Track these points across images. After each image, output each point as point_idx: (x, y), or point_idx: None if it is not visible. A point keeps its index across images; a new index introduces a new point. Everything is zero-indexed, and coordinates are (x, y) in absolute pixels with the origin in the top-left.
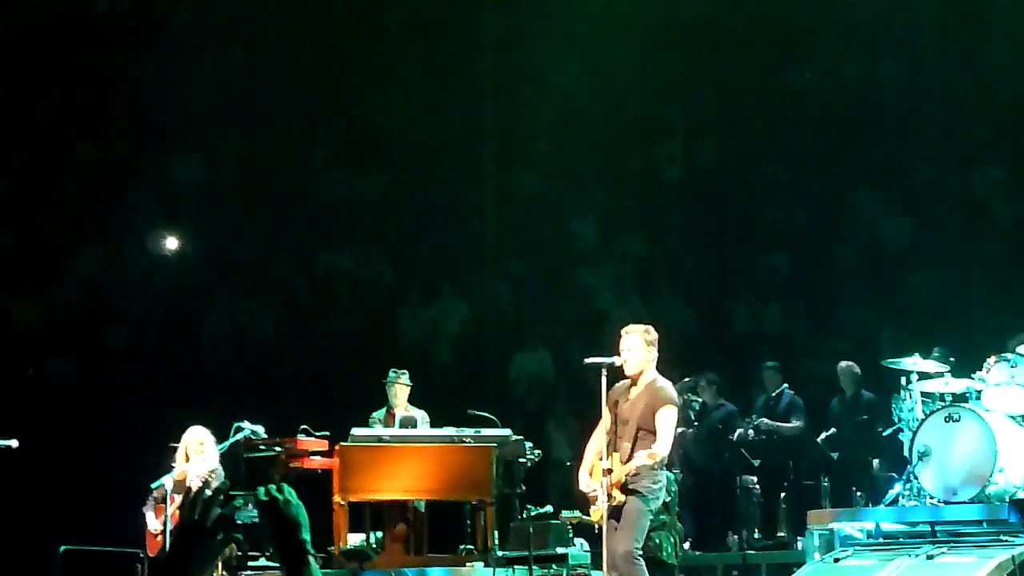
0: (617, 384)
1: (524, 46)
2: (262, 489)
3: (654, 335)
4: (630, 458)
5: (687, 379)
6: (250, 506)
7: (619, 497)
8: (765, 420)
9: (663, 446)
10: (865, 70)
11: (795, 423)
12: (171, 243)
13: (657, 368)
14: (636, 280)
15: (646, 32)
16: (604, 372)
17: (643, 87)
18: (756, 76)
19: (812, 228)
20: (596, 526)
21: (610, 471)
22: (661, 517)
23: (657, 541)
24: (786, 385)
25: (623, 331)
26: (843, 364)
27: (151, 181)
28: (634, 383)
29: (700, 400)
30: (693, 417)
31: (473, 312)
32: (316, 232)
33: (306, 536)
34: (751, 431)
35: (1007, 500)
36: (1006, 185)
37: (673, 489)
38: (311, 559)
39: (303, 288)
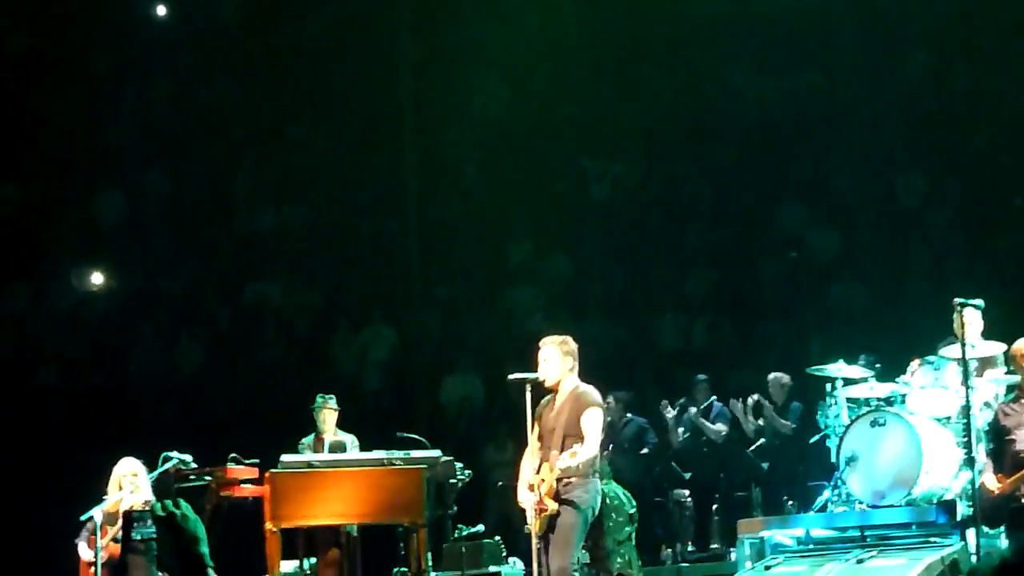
0: (542, 400)
1: (443, 71)
2: (159, 504)
3: (571, 345)
4: None
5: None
6: (149, 522)
7: (552, 506)
8: (693, 410)
9: (590, 446)
10: (785, 84)
11: (721, 427)
12: (96, 279)
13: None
14: (564, 300)
15: (565, 53)
16: (528, 388)
17: (564, 108)
18: (677, 94)
19: (737, 242)
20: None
21: (542, 482)
22: (627, 529)
23: (627, 558)
24: (715, 397)
25: (540, 344)
26: (772, 375)
27: (74, 219)
28: (557, 394)
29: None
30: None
31: (401, 338)
32: (242, 264)
33: (204, 550)
34: (680, 428)
35: (934, 502)
36: (930, 193)
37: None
38: (210, 571)
39: (230, 319)
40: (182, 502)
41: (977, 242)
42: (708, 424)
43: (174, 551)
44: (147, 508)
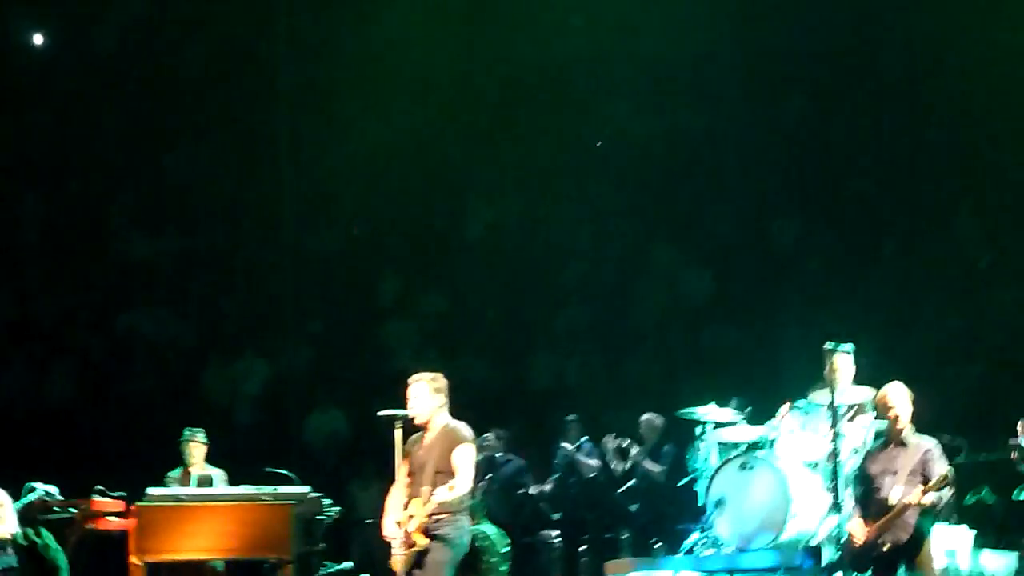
0: (412, 436)
1: (321, 104)
2: (20, 533)
3: (442, 382)
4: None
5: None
6: (9, 551)
7: (421, 542)
8: (566, 445)
9: (464, 480)
10: (664, 125)
11: (596, 462)
12: None
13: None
14: (437, 337)
15: (445, 89)
16: (398, 425)
17: (442, 145)
18: (555, 132)
19: (611, 282)
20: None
21: (411, 518)
22: (502, 568)
23: None
24: (586, 437)
25: (410, 380)
26: (645, 416)
27: None
28: (427, 430)
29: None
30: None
31: (274, 372)
32: (114, 294)
33: None
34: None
35: (801, 547)
36: (803, 237)
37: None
38: None
39: (101, 350)
40: (44, 532)
41: (849, 287)
42: (584, 460)
43: None
44: (9, 537)
